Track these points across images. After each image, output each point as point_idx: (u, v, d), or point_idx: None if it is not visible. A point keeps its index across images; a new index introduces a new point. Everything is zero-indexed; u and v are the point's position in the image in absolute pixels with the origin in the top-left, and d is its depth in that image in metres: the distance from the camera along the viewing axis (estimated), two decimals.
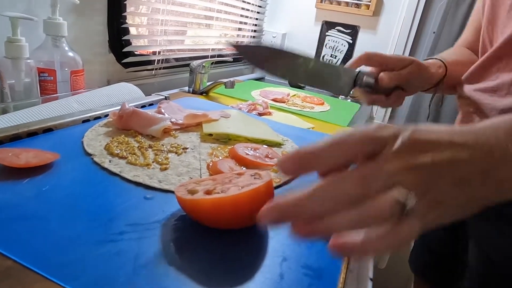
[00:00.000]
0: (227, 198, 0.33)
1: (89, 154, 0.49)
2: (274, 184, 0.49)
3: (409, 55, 1.58)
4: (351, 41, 1.64)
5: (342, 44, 1.66)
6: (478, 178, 0.24)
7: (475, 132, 0.26)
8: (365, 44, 1.63)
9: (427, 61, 0.63)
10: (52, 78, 0.68)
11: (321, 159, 0.26)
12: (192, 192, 0.36)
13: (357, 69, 0.58)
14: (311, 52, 1.72)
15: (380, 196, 0.23)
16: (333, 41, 1.67)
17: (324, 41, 1.69)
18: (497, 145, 0.25)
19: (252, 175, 0.38)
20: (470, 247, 0.60)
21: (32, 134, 0.52)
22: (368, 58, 0.58)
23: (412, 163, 0.23)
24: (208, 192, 0.35)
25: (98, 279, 0.28)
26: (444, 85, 0.63)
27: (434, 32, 1.56)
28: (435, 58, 0.64)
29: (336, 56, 1.68)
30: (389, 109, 1.67)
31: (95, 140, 0.53)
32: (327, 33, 1.67)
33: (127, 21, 0.89)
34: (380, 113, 1.66)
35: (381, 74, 0.56)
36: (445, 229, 0.72)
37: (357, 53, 1.64)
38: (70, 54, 0.70)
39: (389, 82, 0.56)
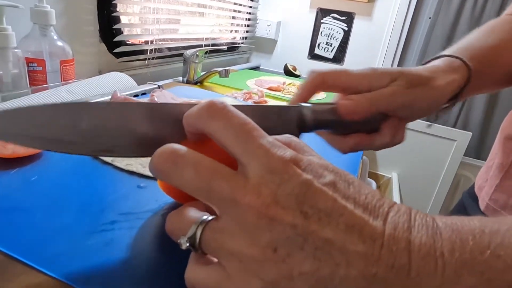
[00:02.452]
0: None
1: None
2: None
3: (405, 41, 1.57)
4: (346, 28, 1.62)
5: (337, 32, 1.64)
6: None
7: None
8: (360, 31, 1.61)
9: (432, 64, 0.40)
10: (41, 68, 0.66)
11: None
12: None
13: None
14: (306, 41, 1.70)
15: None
16: (329, 28, 1.65)
17: (319, 29, 1.67)
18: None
19: None
20: None
21: None
22: (323, 82, 0.38)
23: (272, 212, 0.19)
24: None
25: (87, 269, 0.27)
26: (471, 90, 0.41)
27: (429, 18, 1.54)
28: (451, 56, 0.40)
29: (331, 44, 1.66)
30: None
31: None
32: (322, 21, 1.65)
33: (118, 9, 0.87)
34: None
35: (346, 100, 0.35)
36: None
37: (353, 40, 1.63)
38: (59, 43, 0.68)
39: (361, 111, 0.35)
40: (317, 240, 0.18)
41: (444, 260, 0.17)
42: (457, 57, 0.39)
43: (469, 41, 0.43)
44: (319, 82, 0.38)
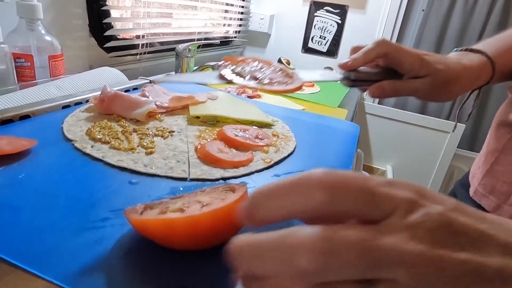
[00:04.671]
0: (180, 219, 0.27)
1: (70, 140, 0.46)
2: (265, 165, 0.48)
3: (399, 33, 1.56)
4: (340, 21, 1.61)
5: (331, 25, 1.63)
6: None
7: None
8: (354, 24, 1.60)
9: (458, 60, 0.45)
10: (29, 64, 0.64)
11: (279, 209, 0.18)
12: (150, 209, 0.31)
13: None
14: (300, 34, 1.69)
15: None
16: (322, 21, 1.64)
17: (313, 22, 1.66)
18: None
19: (226, 189, 0.33)
20: None
21: (7, 121, 0.49)
22: (386, 54, 0.43)
23: (437, 254, 0.15)
24: (164, 212, 0.29)
25: (77, 268, 0.26)
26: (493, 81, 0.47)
27: (423, 10, 1.54)
28: (479, 51, 0.46)
29: (325, 37, 1.65)
30: None
31: (75, 126, 0.51)
32: (315, 14, 1.64)
33: (108, 3, 0.85)
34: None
35: (376, 86, 0.43)
36: None
37: (346, 33, 1.62)
38: (47, 38, 0.67)
39: (385, 96, 0.44)
40: (488, 269, 0.16)
41: None
42: (490, 60, 0.45)
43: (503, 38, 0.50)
44: (382, 53, 0.43)
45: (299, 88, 0.43)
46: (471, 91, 0.48)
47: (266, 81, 0.43)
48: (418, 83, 0.43)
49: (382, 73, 0.46)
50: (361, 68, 0.45)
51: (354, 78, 0.45)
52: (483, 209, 0.55)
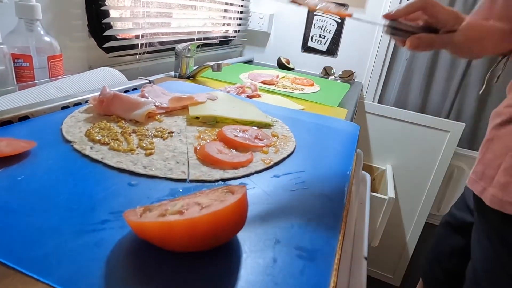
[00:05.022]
0: (179, 222, 0.27)
1: (69, 142, 0.46)
2: (264, 166, 0.48)
3: None
4: (339, 20, 1.61)
5: (330, 24, 1.63)
6: None
7: None
8: (353, 23, 1.60)
9: (492, 21, 0.48)
10: (28, 64, 0.64)
11: None
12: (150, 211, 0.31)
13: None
14: (299, 33, 1.69)
15: None
16: (322, 20, 1.64)
17: (312, 21, 1.65)
18: None
19: (225, 191, 0.33)
20: (470, 265, 0.63)
21: (6, 122, 0.49)
22: (424, 8, 0.48)
23: None
24: (163, 214, 0.29)
25: (76, 270, 0.26)
26: None
27: None
28: None
29: (325, 36, 1.65)
30: (379, 90, 1.66)
31: (74, 127, 0.51)
32: (315, 13, 1.64)
33: (107, 3, 0.85)
34: (370, 94, 1.65)
35: (414, 38, 0.50)
36: (455, 250, 0.75)
37: (346, 32, 1.62)
38: (46, 38, 0.66)
39: (420, 48, 0.51)
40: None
41: None
42: None
43: None
44: (421, 6, 0.48)
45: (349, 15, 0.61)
46: (503, 56, 0.53)
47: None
48: (452, 36, 0.48)
49: (421, 28, 0.52)
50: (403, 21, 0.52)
51: (396, 26, 0.52)
52: (474, 195, 0.58)
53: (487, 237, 0.56)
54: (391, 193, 1.39)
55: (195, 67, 1.04)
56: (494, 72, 0.56)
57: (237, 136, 0.53)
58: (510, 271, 0.54)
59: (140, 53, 1.01)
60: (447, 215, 0.81)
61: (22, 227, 0.30)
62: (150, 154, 0.46)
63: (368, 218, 0.61)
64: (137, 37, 0.99)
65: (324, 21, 1.63)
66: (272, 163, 0.49)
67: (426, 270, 0.86)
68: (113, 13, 0.89)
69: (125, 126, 0.53)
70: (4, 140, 0.41)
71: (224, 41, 1.59)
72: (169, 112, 0.63)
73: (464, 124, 1.49)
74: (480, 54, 0.51)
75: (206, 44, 1.38)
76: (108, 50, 0.89)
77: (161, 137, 0.52)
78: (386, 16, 0.52)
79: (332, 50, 1.67)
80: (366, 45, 1.61)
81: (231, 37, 1.64)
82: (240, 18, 1.66)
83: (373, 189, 1.64)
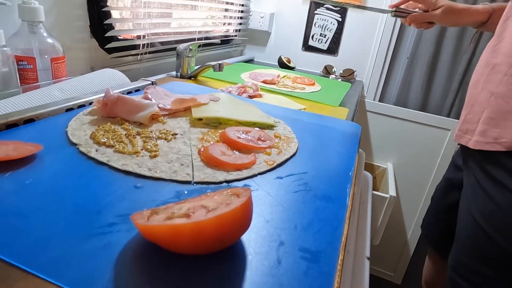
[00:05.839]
0: (186, 225, 0.28)
1: (74, 144, 0.47)
2: (267, 167, 0.48)
3: (399, 30, 1.56)
4: (340, 19, 1.61)
5: (331, 23, 1.63)
6: None
7: None
8: (354, 22, 1.60)
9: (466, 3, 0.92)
10: (31, 66, 0.65)
11: None
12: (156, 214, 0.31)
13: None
14: (300, 32, 1.69)
15: None
16: (322, 19, 1.64)
17: (313, 20, 1.65)
18: None
19: (230, 194, 0.34)
20: (463, 214, 0.70)
21: (11, 125, 0.50)
22: None
23: None
24: (170, 217, 0.30)
25: (85, 273, 0.27)
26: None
27: None
28: (489, 3, 0.82)
29: (325, 35, 1.65)
30: (380, 89, 1.66)
31: (79, 129, 0.51)
32: (315, 12, 1.64)
33: (108, 3, 0.85)
34: (371, 92, 1.65)
35: (412, 16, 0.90)
36: (452, 205, 0.83)
37: (346, 31, 1.62)
38: (49, 40, 0.67)
39: (416, 22, 0.91)
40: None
41: None
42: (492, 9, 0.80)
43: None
44: None
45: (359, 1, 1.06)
46: (477, 27, 0.84)
47: None
48: (436, 11, 0.84)
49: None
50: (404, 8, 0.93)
51: (400, 10, 0.93)
52: (462, 147, 0.75)
53: (473, 173, 0.67)
54: (392, 192, 1.39)
55: (196, 67, 1.04)
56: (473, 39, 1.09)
57: (240, 138, 0.54)
58: (494, 197, 0.61)
59: (141, 54, 1.02)
60: (440, 182, 0.94)
61: (31, 230, 0.30)
62: (155, 156, 0.47)
63: (370, 218, 0.62)
64: (138, 37, 0.99)
65: (325, 20, 1.64)
66: (275, 164, 0.49)
67: (427, 230, 0.96)
68: (114, 14, 0.89)
69: (129, 128, 0.54)
70: (11, 143, 0.41)
71: (225, 41, 1.59)
72: (172, 113, 0.63)
73: None
74: (458, 24, 0.86)
75: (207, 43, 1.38)
76: (110, 51, 0.89)
77: (165, 139, 0.52)
78: (393, 5, 0.93)
79: (333, 48, 1.67)
80: (367, 43, 1.61)
81: (232, 36, 1.64)
82: (241, 18, 1.66)
83: (374, 188, 1.65)
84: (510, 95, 0.58)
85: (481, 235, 0.62)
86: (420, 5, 0.88)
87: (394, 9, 0.90)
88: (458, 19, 0.82)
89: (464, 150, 0.72)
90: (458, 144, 0.75)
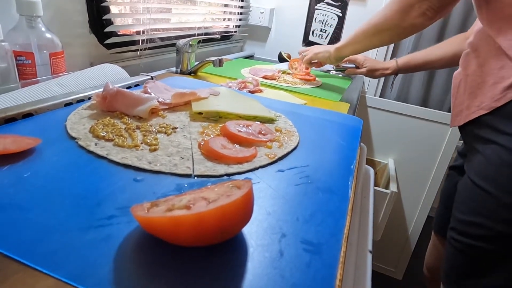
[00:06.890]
0: (187, 216, 0.27)
1: (73, 138, 0.46)
2: (269, 161, 0.48)
3: None
4: (340, 14, 1.60)
5: (331, 18, 1.62)
6: None
7: None
8: (354, 16, 1.59)
9: (382, 61, 1.25)
10: (30, 61, 0.64)
11: None
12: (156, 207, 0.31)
13: None
14: (300, 27, 1.68)
15: None
16: (323, 14, 1.63)
17: (313, 15, 1.64)
18: None
19: (231, 186, 0.33)
20: (462, 183, 0.72)
21: (10, 120, 0.49)
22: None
23: None
24: (170, 209, 0.30)
25: (84, 265, 0.26)
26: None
27: None
28: (394, 59, 1.17)
29: (326, 30, 1.64)
30: (381, 85, 1.65)
31: (79, 123, 0.51)
32: (316, 7, 1.63)
33: None
34: (371, 88, 1.64)
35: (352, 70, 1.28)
36: (454, 185, 0.85)
37: (347, 26, 1.61)
38: (48, 35, 0.66)
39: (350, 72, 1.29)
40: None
41: None
42: (396, 62, 1.17)
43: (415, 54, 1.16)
44: (352, 59, 1.28)
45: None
46: (393, 75, 1.20)
47: None
48: (362, 68, 1.21)
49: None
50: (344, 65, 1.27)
51: (342, 68, 1.32)
52: (460, 128, 0.78)
53: (471, 145, 0.72)
54: (393, 187, 1.39)
55: (196, 63, 1.04)
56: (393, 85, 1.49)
57: (240, 131, 0.53)
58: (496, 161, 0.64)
59: (141, 49, 1.01)
60: (447, 171, 1.04)
61: (30, 223, 0.30)
62: (155, 150, 0.46)
63: (372, 212, 0.61)
64: (138, 33, 0.99)
65: (325, 15, 1.63)
66: (276, 157, 0.49)
67: (438, 220, 0.97)
68: (113, 9, 0.89)
69: (129, 122, 0.53)
70: (9, 137, 0.41)
71: (225, 36, 1.58)
72: (172, 108, 0.63)
73: None
74: (379, 77, 1.23)
75: (207, 39, 1.37)
76: (109, 46, 0.89)
77: (165, 133, 0.52)
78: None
79: (333, 44, 1.66)
80: None
81: (232, 32, 1.63)
82: (241, 13, 1.65)
83: (375, 183, 1.64)
84: (478, 70, 0.68)
85: (476, 191, 0.66)
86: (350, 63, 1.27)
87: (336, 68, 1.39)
88: (378, 75, 1.21)
89: (461, 131, 0.78)
90: (458, 128, 0.81)
